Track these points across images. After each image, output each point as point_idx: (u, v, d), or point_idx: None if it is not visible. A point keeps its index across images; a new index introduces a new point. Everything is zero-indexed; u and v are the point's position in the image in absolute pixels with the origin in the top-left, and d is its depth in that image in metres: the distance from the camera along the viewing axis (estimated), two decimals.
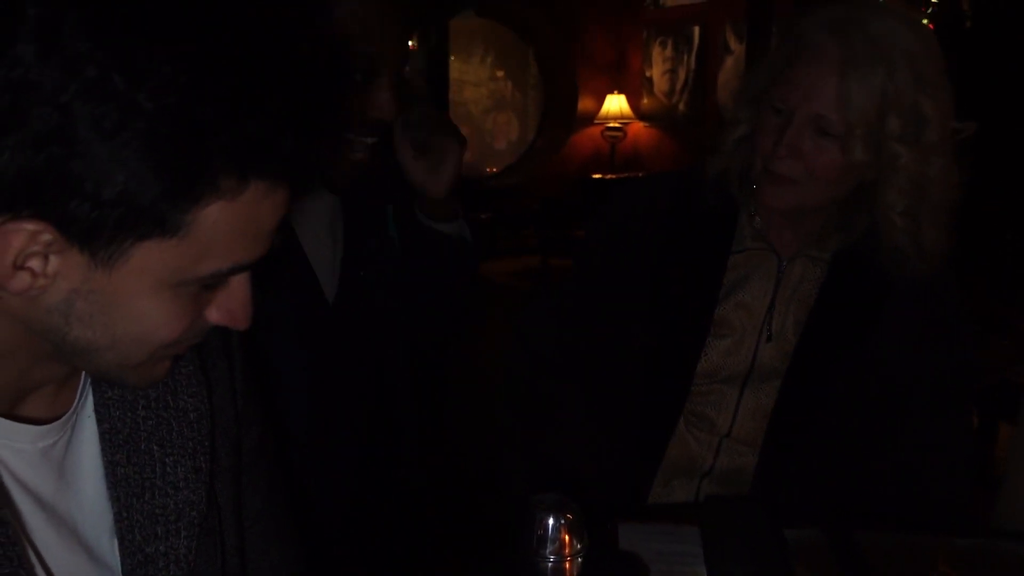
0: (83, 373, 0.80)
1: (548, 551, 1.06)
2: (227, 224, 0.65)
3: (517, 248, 7.43)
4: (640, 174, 7.10)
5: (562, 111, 8.12)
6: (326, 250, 1.33)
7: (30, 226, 0.62)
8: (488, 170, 8.34)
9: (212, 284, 0.71)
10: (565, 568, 1.07)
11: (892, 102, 1.26)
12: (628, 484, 1.50)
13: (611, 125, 7.95)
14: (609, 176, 7.71)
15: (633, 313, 1.49)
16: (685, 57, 7.54)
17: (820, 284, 1.44)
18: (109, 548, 0.81)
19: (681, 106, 7.61)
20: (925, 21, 4.81)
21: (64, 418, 0.78)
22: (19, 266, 0.63)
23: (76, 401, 0.79)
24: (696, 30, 7.37)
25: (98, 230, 0.62)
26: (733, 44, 6.97)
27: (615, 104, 7.92)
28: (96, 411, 0.80)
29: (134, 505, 0.80)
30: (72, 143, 0.59)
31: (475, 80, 8.61)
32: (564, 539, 1.06)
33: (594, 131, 8.09)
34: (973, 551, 1.20)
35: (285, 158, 0.66)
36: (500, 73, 8.74)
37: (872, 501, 1.39)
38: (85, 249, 0.64)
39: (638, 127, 8.01)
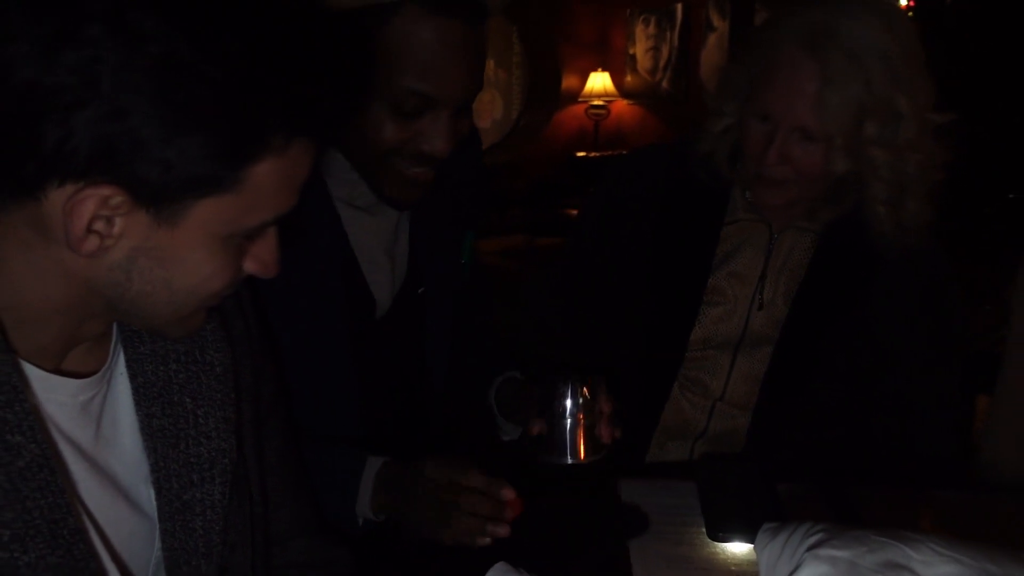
0: (115, 330, 0.84)
1: (567, 416, 1.13)
2: (274, 178, 0.72)
3: (502, 227, 7.44)
4: (624, 151, 7.12)
5: (546, 89, 8.13)
6: (382, 271, 1.31)
7: (104, 191, 0.67)
8: None
9: (253, 235, 0.77)
10: (580, 432, 1.14)
11: (869, 109, 1.29)
12: (626, 446, 1.55)
13: (595, 103, 7.96)
14: (593, 154, 7.72)
15: (629, 282, 1.53)
16: (668, 34, 7.56)
17: (810, 254, 1.49)
18: (146, 496, 0.85)
19: (664, 83, 7.64)
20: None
21: (100, 373, 0.82)
22: (90, 229, 0.68)
23: (109, 358, 0.83)
24: (679, 8, 7.39)
25: (165, 191, 0.68)
26: (716, 21, 7.00)
27: (599, 82, 7.93)
28: (128, 367, 0.84)
29: (170, 455, 0.84)
30: (142, 113, 0.65)
31: None
32: (582, 406, 1.14)
33: (578, 109, 8.10)
34: (954, 503, 1.26)
35: (320, 116, 0.74)
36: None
37: (863, 461, 1.45)
38: (151, 209, 0.69)
39: (622, 105, 8.03)
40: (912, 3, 4.82)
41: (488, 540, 1.08)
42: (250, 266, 0.80)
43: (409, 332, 1.38)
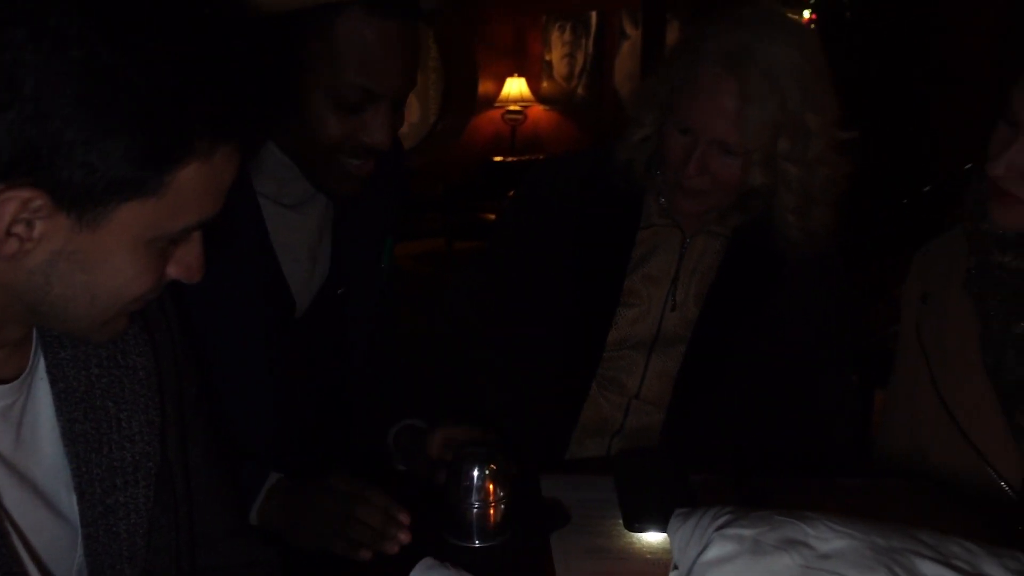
0: (34, 336, 0.83)
1: (474, 498, 1.14)
2: (199, 183, 0.73)
3: (420, 231, 7.44)
4: (541, 156, 7.22)
5: (463, 94, 8.16)
6: (303, 270, 1.33)
7: (24, 193, 0.66)
8: None
9: (177, 239, 0.77)
10: (490, 513, 1.16)
11: (783, 126, 1.38)
12: (546, 445, 1.59)
13: (511, 108, 8.04)
14: (510, 159, 7.80)
15: (548, 286, 1.58)
16: (583, 42, 7.69)
17: (720, 258, 1.56)
18: (68, 502, 0.85)
19: (580, 90, 7.77)
20: (808, 12, 5.07)
21: (20, 379, 0.81)
22: (10, 232, 0.68)
23: (29, 363, 0.83)
24: (593, 15, 7.53)
25: (87, 194, 0.68)
26: (629, 30, 7.16)
27: (515, 87, 8.01)
28: (49, 372, 0.84)
29: (93, 459, 0.84)
30: (65, 116, 0.65)
31: None
32: (489, 487, 1.15)
33: (495, 114, 8.17)
34: (854, 489, 1.34)
35: (246, 122, 0.75)
36: None
37: (770, 452, 1.53)
38: (73, 212, 0.69)
39: (538, 110, 8.13)
40: (814, 16, 5.03)
41: (370, 555, 1.12)
42: (174, 271, 0.80)
43: (328, 332, 1.40)
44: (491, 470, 1.16)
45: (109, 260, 0.73)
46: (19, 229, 0.68)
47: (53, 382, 0.84)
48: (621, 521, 1.21)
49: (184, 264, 0.80)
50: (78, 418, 0.84)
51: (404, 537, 1.12)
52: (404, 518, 1.13)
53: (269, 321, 1.29)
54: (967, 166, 3.74)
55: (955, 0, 4.83)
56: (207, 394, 1.03)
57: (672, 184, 1.48)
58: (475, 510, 1.15)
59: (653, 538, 1.18)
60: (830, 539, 0.70)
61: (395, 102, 1.19)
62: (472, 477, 1.15)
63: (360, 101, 1.14)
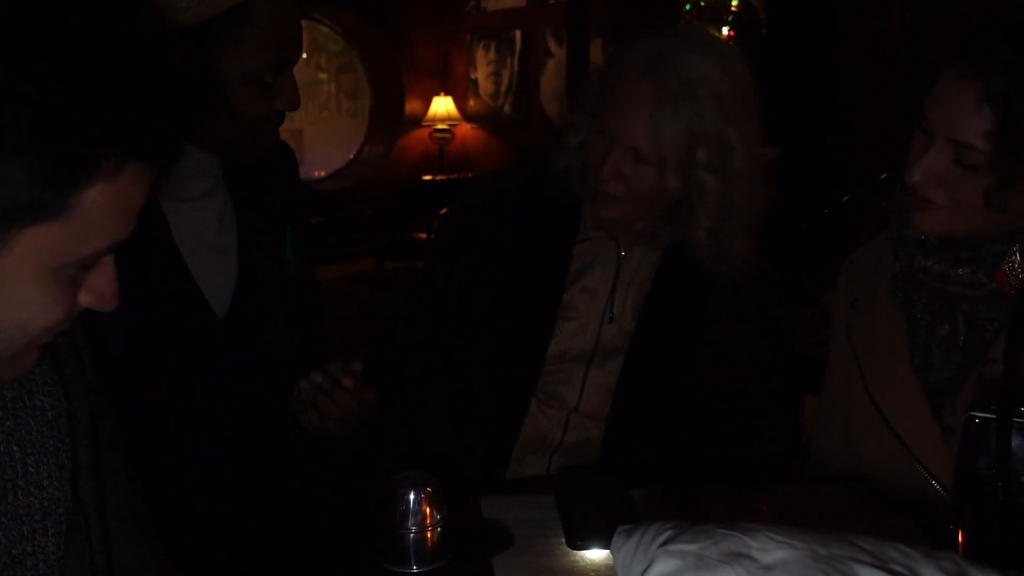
0: None
1: (410, 523, 1.12)
2: (106, 205, 0.69)
3: (350, 252, 7.38)
4: (470, 175, 7.23)
5: (389, 114, 8.14)
6: (212, 264, 1.34)
7: None
8: (316, 174, 8.24)
9: (87, 265, 0.73)
10: (427, 537, 1.13)
11: (700, 136, 1.39)
12: (486, 462, 1.58)
13: (439, 127, 8.06)
14: (439, 177, 7.80)
15: (486, 302, 1.57)
16: (508, 60, 7.75)
17: (655, 270, 1.57)
18: None
19: (506, 108, 7.81)
20: (726, 29, 5.21)
21: None
22: None
23: None
24: (517, 34, 7.60)
25: None
26: (553, 48, 7.24)
27: (442, 106, 8.03)
28: None
29: None
30: None
31: (299, 82, 8.48)
32: (425, 511, 1.13)
33: (422, 133, 8.17)
34: (789, 495, 1.36)
35: (156, 140, 0.71)
36: (323, 76, 8.67)
37: (707, 461, 1.54)
38: None
39: (465, 129, 8.16)
40: (732, 33, 5.17)
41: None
42: (86, 299, 0.75)
43: (251, 333, 1.39)
44: (426, 493, 1.14)
45: (14, 289, 0.68)
46: None
47: None
48: (564, 540, 1.20)
49: (96, 291, 0.75)
50: None
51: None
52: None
53: (189, 327, 1.30)
54: (882, 176, 3.88)
55: (853, 18, 5.05)
56: (125, 432, 0.99)
57: (591, 189, 1.49)
58: (412, 535, 1.13)
59: (596, 555, 1.17)
60: (772, 550, 0.70)
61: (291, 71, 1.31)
62: (407, 501, 1.13)
63: (275, 72, 1.25)
